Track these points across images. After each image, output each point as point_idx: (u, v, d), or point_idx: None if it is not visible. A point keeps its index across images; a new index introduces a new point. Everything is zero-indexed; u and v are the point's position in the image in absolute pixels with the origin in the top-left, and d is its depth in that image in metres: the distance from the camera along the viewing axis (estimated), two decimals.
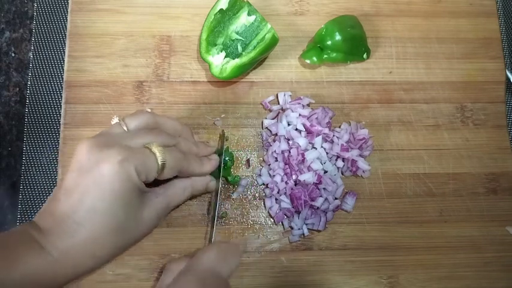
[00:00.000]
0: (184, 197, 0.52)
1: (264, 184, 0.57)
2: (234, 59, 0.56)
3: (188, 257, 0.49)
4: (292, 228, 0.56)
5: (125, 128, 0.47)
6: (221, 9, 0.57)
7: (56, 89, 0.62)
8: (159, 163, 0.45)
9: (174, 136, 0.50)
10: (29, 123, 0.61)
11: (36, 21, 0.63)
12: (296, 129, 0.58)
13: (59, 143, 0.58)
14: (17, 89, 0.62)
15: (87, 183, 0.42)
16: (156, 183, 0.49)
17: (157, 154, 0.45)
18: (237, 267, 0.51)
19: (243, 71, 0.57)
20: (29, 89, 0.61)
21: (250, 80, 0.61)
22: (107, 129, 0.47)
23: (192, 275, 0.45)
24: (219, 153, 0.56)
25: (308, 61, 0.59)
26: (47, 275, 0.41)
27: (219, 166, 0.55)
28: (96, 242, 0.43)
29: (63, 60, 0.60)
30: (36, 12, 0.64)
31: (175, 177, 0.50)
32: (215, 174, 0.55)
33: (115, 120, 0.48)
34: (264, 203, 0.57)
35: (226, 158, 0.57)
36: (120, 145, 0.43)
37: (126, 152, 0.43)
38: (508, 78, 0.63)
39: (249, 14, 0.58)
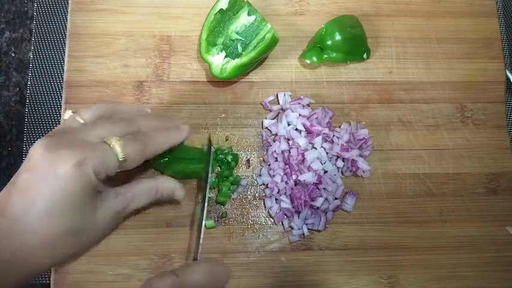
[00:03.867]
0: (147, 200, 0.49)
1: (264, 184, 0.57)
2: (234, 59, 0.56)
3: (171, 274, 0.44)
4: (292, 228, 0.56)
5: (81, 121, 0.45)
6: (221, 9, 0.57)
7: (56, 89, 0.62)
8: (120, 159, 0.43)
9: (133, 120, 0.48)
10: (29, 123, 0.61)
11: (36, 21, 0.63)
12: (296, 129, 0.58)
13: None
14: (17, 89, 0.62)
15: (40, 185, 0.40)
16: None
17: (118, 149, 0.43)
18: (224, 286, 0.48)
19: (243, 71, 0.57)
20: (29, 89, 0.61)
21: (250, 80, 0.61)
22: (62, 124, 0.46)
23: None
24: (207, 157, 0.55)
25: (308, 61, 0.59)
26: None
27: (206, 173, 0.53)
28: (48, 244, 0.41)
29: (63, 60, 0.61)
30: (36, 12, 0.64)
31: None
32: (201, 173, 0.53)
33: (68, 113, 0.46)
34: (264, 203, 0.57)
35: (230, 159, 0.56)
36: (76, 144, 0.42)
37: (83, 152, 0.41)
38: (508, 78, 0.63)
39: (249, 14, 0.58)
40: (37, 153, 0.41)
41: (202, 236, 0.51)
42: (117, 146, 0.43)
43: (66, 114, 0.46)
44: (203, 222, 0.51)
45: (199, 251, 0.50)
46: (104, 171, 0.43)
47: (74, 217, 0.42)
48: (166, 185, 0.50)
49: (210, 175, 0.53)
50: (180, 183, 0.51)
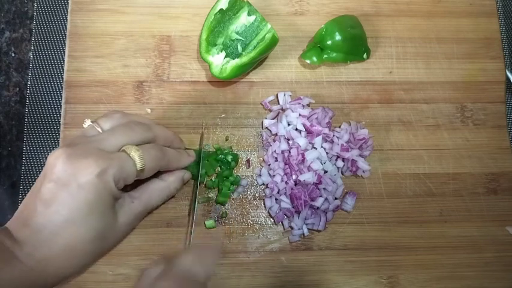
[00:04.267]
0: (161, 199, 0.52)
1: (264, 184, 0.57)
2: (234, 59, 0.56)
3: (163, 261, 0.47)
4: (292, 228, 0.56)
5: (100, 130, 0.47)
6: (221, 9, 0.57)
7: (56, 89, 0.62)
8: (138, 168, 0.45)
9: (150, 127, 0.49)
10: (29, 123, 0.61)
11: (36, 21, 0.63)
12: (296, 129, 0.58)
13: (59, 143, 0.58)
14: (17, 89, 0.62)
15: (64, 195, 0.41)
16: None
17: (137, 159, 0.44)
18: (214, 270, 0.50)
19: (243, 71, 0.57)
20: (29, 89, 0.61)
21: (250, 80, 0.61)
22: (81, 133, 0.47)
23: (167, 280, 0.44)
24: (198, 153, 0.56)
25: (308, 61, 0.59)
26: (24, 283, 0.41)
27: (198, 167, 0.55)
28: (73, 252, 0.43)
29: (63, 60, 0.60)
30: (36, 12, 0.64)
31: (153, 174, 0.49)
32: (194, 173, 0.55)
33: (87, 123, 0.47)
34: (264, 203, 0.57)
35: (230, 159, 0.56)
36: (97, 154, 0.43)
37: (104, 161, 0.42)
38: (508, 78, 0.63)
39: (249, 14, 0.58)
40: (59, 162, 0.42)
41: (194, 222, 0.53)
42: (136, 156, 0.45)
43: (86, 123, 0.47)
44: (195, 212, 0.53)
45: (191, 237, 0.52)
46: (123, 180, 0.44)
47: (96, 225, 0.43)
48: (174, 179, 0.52)
49: (200, 172, 0.55)
50: (184, 170, 0.54)
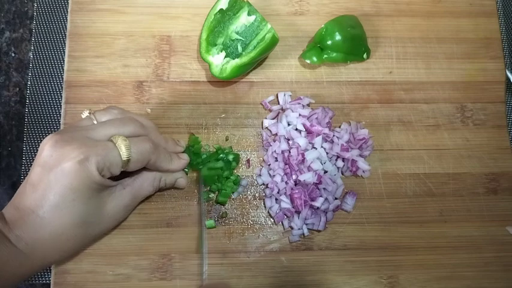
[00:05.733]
0: (153, 188, 0.52)
1: (264, 184, 0.57)
2: (234, 59, 0.56)
3: None
4: (292, 228, 0.56)
5: (95, 122, 0.47)
6: (221, 9, 0.57)
7: (56, 89, 0.62)
8: (124, 159, 0.44)
9: (144, 125, 0.49)
10: (29, 123, 0.61)
11: (36, 21, 0.63)
12: (296, 129, 0.58)
13: None
14: (17, 89, 0.62)
15: (50, 179, 0.42)
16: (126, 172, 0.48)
17: (123, 149, 0.44)
18: None
19: (243, 71, 0.57)
20: (29, 89, 0.61)
21: (250, 80, 0.61)
22: (75, 122, 0.47)
23: None
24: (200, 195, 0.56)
25: (308, 61, 0.59)
26: (12, 264, 0.42)
27: (199, 190, 0.55)
28: (60, 236, 0.44)
29: (63, 60, 0.61)
30: (36, 12, 0.64)
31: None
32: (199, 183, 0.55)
33: (85, 113, 0.48)
34: (264, 203, 0.57)
35: (231, 158, 0.56)
36: (82, 141, 0.43)
37: (87, 149, 0.42)
38: (508, 78, 0.63)
39: (249, 14, 0.58)
40: (46, 147, 0.43)
41: (205, 260, 0.53)
42: (122, 146, 0.44)
43: (84, 114, 0.48)
44: (204, 241, 0.53)
45: (204, 273, 0.53)
46: (108, 169, 0.44)
47: (80, 211, 0.44)
48: (169, 173, 0.52)
49: (201, 187, 0.55)
50: (183, 172, 0.54)
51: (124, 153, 0.44)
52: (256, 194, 0.57)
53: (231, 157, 0.56)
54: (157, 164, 0.49)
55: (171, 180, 0.53)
